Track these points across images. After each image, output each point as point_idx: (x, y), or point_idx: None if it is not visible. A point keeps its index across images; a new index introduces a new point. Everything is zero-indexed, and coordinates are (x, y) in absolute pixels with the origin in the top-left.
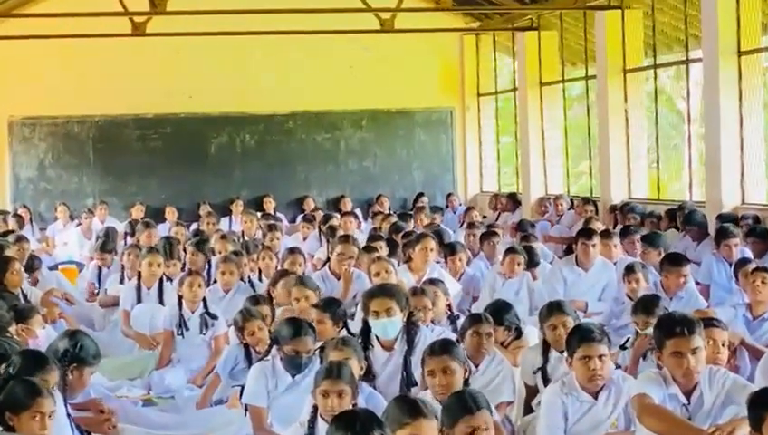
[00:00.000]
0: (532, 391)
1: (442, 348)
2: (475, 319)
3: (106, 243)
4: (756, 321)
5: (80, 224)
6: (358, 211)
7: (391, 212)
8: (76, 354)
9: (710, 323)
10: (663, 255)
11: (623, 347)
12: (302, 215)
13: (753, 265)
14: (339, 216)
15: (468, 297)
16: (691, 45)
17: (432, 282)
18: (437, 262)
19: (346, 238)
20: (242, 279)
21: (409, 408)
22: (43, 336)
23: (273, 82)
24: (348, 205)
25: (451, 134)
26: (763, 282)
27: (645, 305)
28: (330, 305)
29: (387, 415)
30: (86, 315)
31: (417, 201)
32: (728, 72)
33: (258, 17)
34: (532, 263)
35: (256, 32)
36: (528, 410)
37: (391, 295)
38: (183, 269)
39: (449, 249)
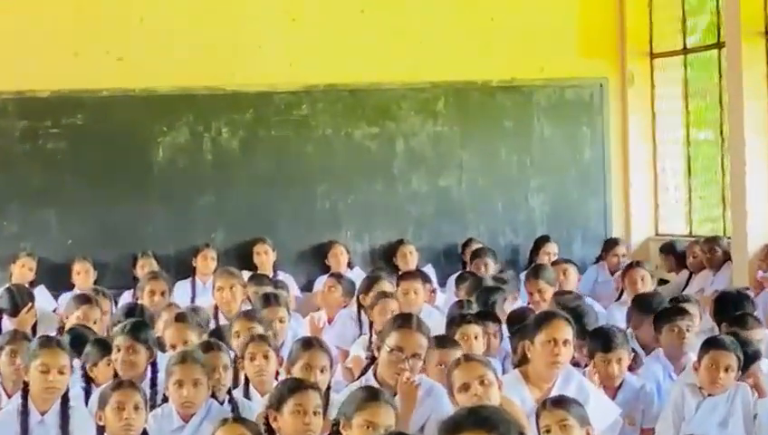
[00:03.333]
0: None
1: None
2: None
3: None
4: None
5: None
6: (430, 270)
7: (489, 268)
8: None
9: None
10: None
11: None
12: (326, 276)
13: None
14: (395, 278)
15: (633, 429)
16: None
17: (561, 403)
18: (576, 365)
19: (406, 320)
20: (214, 396)
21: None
22: None
23: (277, 33)
24: (411, 258)
25: (601, 126)
26: None
27: None
28: None
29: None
30: None
31: (540, 250)
32: None
33: None
34: (749, 364)
35: None
36: None
37: (492, 428)
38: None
39: (601, 343)
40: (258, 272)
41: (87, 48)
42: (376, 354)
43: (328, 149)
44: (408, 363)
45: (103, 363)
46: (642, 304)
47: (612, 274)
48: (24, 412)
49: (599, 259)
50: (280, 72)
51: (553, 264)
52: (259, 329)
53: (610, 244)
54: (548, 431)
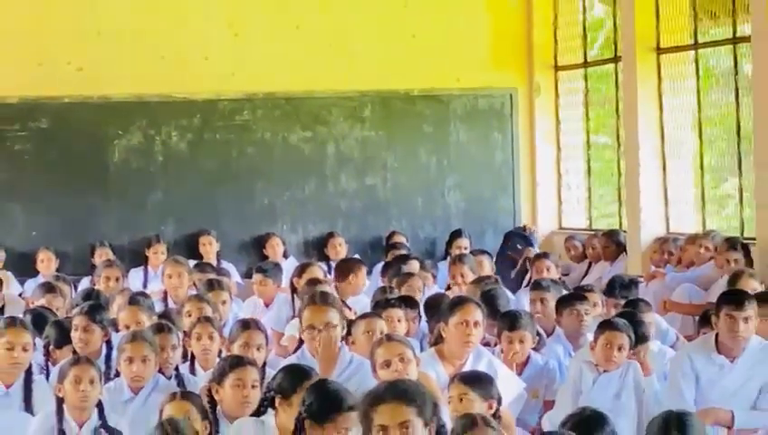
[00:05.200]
0: None
1: None
2: None
3: None
4: None
5: None
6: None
7: (411, 259)
8: None
9: None
10: None
11: None
12: (262, 265)
13: None
14: (325, 266)
15: (537, 401)
16: None
17: (466, 379)
18: (487, 344)
19: (312, 297)
20: (161, 371)
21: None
22: None
23: (221, 46)
24: (341, 249)
25: (511, 131)
26: None
27: None
28: None
29: None
30: None
31: (454, 243)
32: None
33: None
34: (638, 341)
35: None
36: None
37: (410, 401)
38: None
39: (507, 323)
40: (203, 261)
41: (50, 59)
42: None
43: (267, 151)
44: (322, 335)
45: (68, 349)
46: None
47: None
48: None
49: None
50: (224, 82)
51: (471, 253)
52: (208, 310)
53: (511, 237)
54: (451, 402)
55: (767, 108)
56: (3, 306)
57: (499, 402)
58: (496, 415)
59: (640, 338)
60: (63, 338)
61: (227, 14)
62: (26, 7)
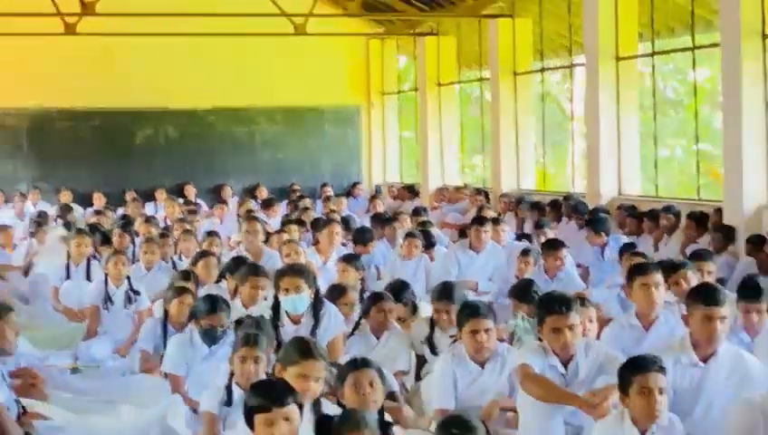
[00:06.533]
0: (421, 361)
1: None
2: (377, 297)
3: (41, 224)
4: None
5: (13, 207)
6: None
7: (301, 198)
8: None
9: (582, 302)
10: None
11: None
12: (220, 199)
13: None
14: (256, 201)
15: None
16: (575, 51)
17: (347, 261)
18: (343, 244)
19: (250, 217)
20: (163, 259)
21: (299, 350)
22: None
23: (195, 79)
24: (263, 193)
25: (358, 129)
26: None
27: (522, 290)
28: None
29: (278, 358)
30: (17, 290)
31: (323, 189)
32: (607, 75)
33: (181, 20)
34: (429, 246)
35: (179, 33)
36: (417, 377)
37: (300, 274)
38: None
39: (358, 235)
40: (187, 199)
41: (101, 85)
42: None
43: (222, 138)
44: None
45: (109, 247)
46: None
47: (357, 199)
48: (67, 265)
49: (352, 194)
50: (199, 98)
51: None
52: (190, 227)
53: (356, 186)
54: None
55: None
56: (72, 223)
57: None
58: None
59: None
60: (106, 240)
61: (196, 56)
62: (93, 54)
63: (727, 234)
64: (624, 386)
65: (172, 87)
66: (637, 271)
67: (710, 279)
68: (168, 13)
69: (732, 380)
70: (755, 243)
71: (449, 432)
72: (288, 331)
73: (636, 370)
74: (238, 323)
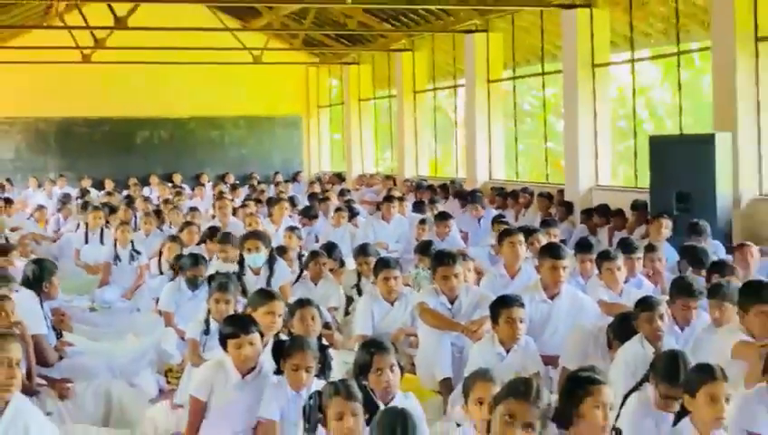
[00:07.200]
0: (349, 301)
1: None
2: (315, 254)
3: (66, 203)
4: (497, 255)
5: (44, 190)
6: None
7: (259, 183)
8: (45, 269)
9: (464, 257)
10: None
11: None
12: (200, 185)
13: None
14: (225, 185)
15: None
16: (458, 76)
17: (290, 229)
18: (290, 216)
19: (221, 196)
20: (158, 227)
21: (263, 294)
22: (20, 267)
23: (180, 95)
24: (230, 179)
25: (300, 132)
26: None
27: (421, 248)
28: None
29: (248, 302)
30: (49, 251)
31: (275, 177)
32: (481, 93)
33: (171, 52)
34: (352, 217)
35: (169, 62)
36: (346, 313)
37: (259, 238)
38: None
39: (304, 210)
40: (174, 183)
41: (111, 100)
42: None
43: (200, 139)
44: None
45: (115, 217)
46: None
47: (299, 184)
48: (86, 233)
49: (296, 180)
50: (183, 110)
51: (276, 183)
52: (176, 204)
53: (299, 174)
54: None
55: None
56: (90, 202)
57: None
58: None
59: None
60: (113, 212)
61: (181, 78)
62: (104, 77)
63: (567, 208)
64: (494, 317)
65: (163, 101)
66: (505, 233)
67: (555, 240)
68: (161, 47)
69: (571, 312)
70: (587, 214)
71: (368, 350)
72: (250, 280)
73: (503, 305)
74: (212, 277)
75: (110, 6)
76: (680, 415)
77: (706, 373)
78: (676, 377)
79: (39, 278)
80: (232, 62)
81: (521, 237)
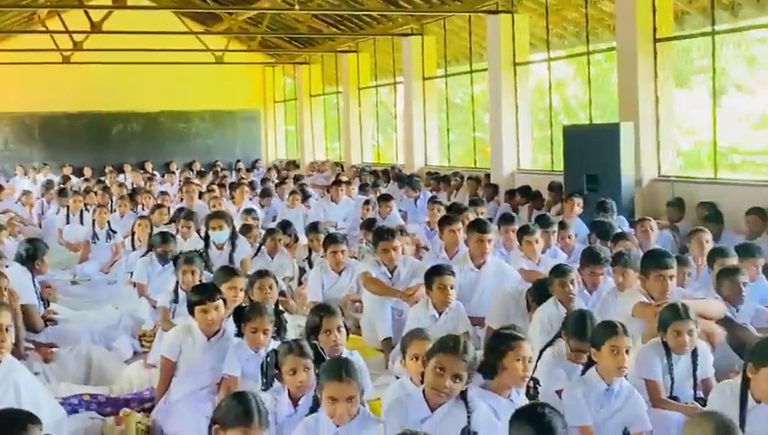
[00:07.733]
0: (301, 272)
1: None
2: (271, 231)
3: (49, 188)
4: (432, 231)
5: (29, 177)
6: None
7: (222, 170)
8: (38, 249)
9: (402, 232)
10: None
11: None
12: (169, 172)
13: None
14: (192, 172)
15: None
16: (397, 74)
17: (248, 211)
18: (250, 199)
19: (188, 182)
20: (131, 210)
21: (226, 271)
22: (8, 245)
23: (151, 92)
24: (197, 166)
25: (258, 125)
26: (439, 211)
27: (366, 225)
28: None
29: (213, 278)
30: (34, 231)
31: (237, 164)
32: (418, 89)
33: (142, 53)
34: (305, 199)
35: (141, 62)
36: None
37: (222, 217)
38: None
39: (262, 193)
40: (146, 171)
41: (89, 96)
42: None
43: (169, 131)
44: (193, 194)
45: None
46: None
47: (258, 171)
48: (67, 215)
49: (255, 168)
50: (153, 104)
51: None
52: (147, 189)
53: (257, 161)
54: None
55: None
56: (70, 187)
57: None
58: None
59: None
60: (104, 200)
61: (152, 77)
62: (82, 76)
63: (493, 189)
64: (429, 284)
65: (135, 97)
66: (446, 221)
67: (482, 216)
68: (133, 48)
69: (495, 279)
70: (510, 194)
71: (318, 314)
72: (215, 254)
73: (435, 273)
74: (180, 254)
75: (86, 13)
76: (588, 366)
77: (610, 329)
78: (585, 333)
79: (32, 256)
80: (197, 62)
81: (459, 225)
